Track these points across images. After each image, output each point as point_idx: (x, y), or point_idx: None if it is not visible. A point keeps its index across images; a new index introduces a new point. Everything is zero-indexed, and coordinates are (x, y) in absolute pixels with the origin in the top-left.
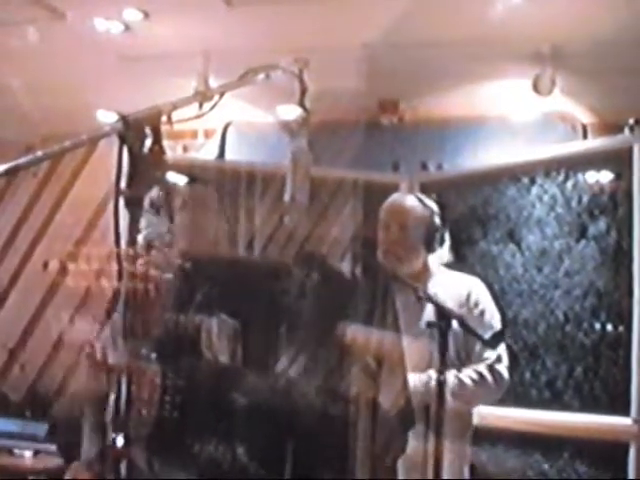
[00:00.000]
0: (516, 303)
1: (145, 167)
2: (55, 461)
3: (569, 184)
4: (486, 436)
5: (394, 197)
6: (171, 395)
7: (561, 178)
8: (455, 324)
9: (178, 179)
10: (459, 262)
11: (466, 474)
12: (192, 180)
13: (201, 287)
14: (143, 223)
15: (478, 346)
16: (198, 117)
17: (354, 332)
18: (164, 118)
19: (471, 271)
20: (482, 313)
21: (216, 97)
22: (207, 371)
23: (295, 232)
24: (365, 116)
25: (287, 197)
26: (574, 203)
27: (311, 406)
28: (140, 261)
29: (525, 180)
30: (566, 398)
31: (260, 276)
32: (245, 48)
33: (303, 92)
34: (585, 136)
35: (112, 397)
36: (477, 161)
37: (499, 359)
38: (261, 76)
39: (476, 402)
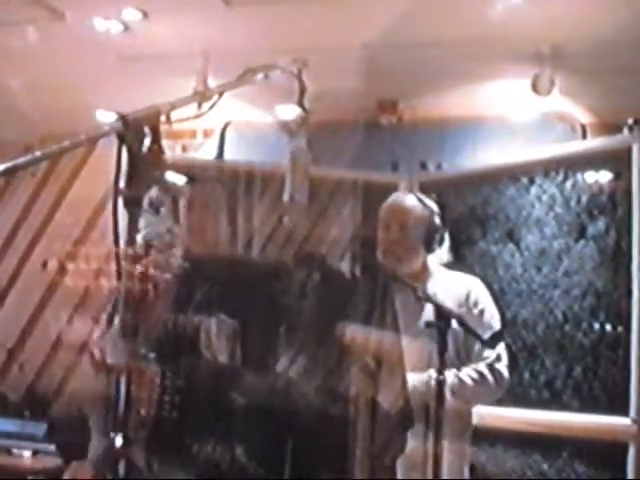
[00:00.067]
0: (515, 303)
1: (144, 167)
2: (54, 461)
3: (568, 184)
4: (485, 436)
5: (394, 197)
6: (170, 395)
7: (560, 178)
8: (454, 324)
9: (177, 179)
10: (458, 262)
11: (466, 474)
12: (196, 180)
13: (200, 287)
14: (142, 223)
15: (478, 345)
16: (197, 117)
17: (353, 332)
18: (163, 118)
19: (470, 271)
20: (481, 313)
21: (215, 97)
22: (206, 371)
23: (294, 232)
24: (364, 116)
25: (286, 197)
26: (573, 203)
27: (310, 406)
28: (139, 261)
29: (524, 180)
30: (565, 398)
31: (259, 276)
32: (244, 48)
33: (302, 92)
34: (584, 136)
35: (111, 397)
36: (476, 161)
37: (499, 358)
38: (260, 76)
39: (476, 401)
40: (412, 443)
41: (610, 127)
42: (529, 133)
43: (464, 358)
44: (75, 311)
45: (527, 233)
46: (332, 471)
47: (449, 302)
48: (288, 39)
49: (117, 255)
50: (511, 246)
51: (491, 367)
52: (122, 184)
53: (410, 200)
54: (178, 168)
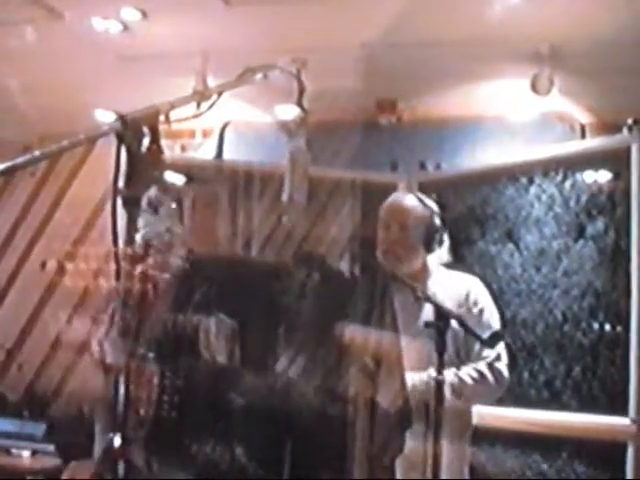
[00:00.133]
0: (514, 303)
1: (143, 166)
2: (53, 461)
3: (567, 184)
4: (485, 436)
5: (394, 196)
6: (169, 395)
7: (559, 178)
8: (454, 324)
9: (176, 179)
10: (457, 262)
11: (465, 474)
12: (199, 180)
13: (199, 287)
14: (141, 222)
15: (477, 345)
16: (196, 117)
17: (352, 332)
18: (162, 117)
19: (469, 271)
20: (481, 312)
21: (214, 97)
22: (205, 371)
23: (293, 232)
24: (363, 116)
25: (285, 197)
26: (572, 203)
27: (309, 406)
28: (138, 261)
29: (523, 180)
30: (564, 398)
31: (259, 276)
32: (243, 48)
33: (301, 92)
34: (583, 136)
35: (111, 397)
36: (475, 161)
37: (499, 357)
38: (259, 76)
39: (476, 400)
40: (411, 443)
41: (609, 127)
42: (528, 133)
43: (464, 357)
44: (74, 311)
45: (526, 233)
46: (331, 471)
47: (449, 302)
48: (287, 39)
49: (116, 255)
50: (510, 246)
51: (491, 366)
52: (121, 184)
53: (410, 200)
54: (177, 168)
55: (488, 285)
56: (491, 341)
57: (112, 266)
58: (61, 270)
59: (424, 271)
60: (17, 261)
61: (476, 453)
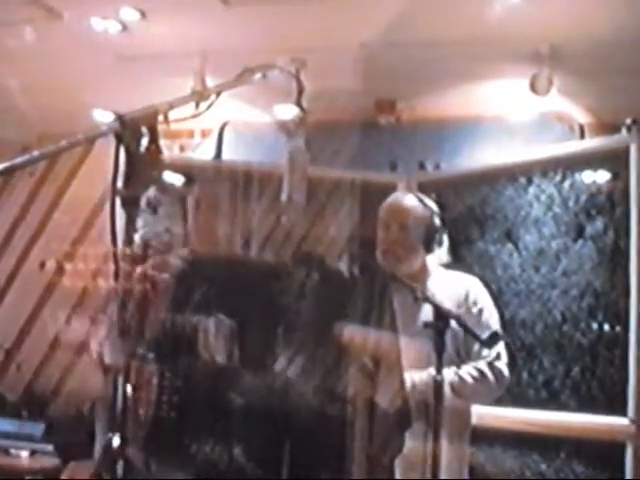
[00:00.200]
0: (513, 303)
1: (142, 166)
2: (52, 461)
3: (566, 184)
4: (484, 436)
5: (394, 196)
6: (168, 395)
7: (558, 178)
8: (453, 323)
9: (175, 179)
10: (457, 262)
11: (464, 474)
12: (201, 180)
13: (199, 287)
14: (140, 223)
15: (477, 345)
16: (195, 117)
17: (351, 332)
18: (161, 117)
19: (469, 271)
20: (480, 312)
21: (213, 97)
22: (204, 371)
23: (292, 232)
24: (362, 116)
25: (284, 197)
26: (571, 203)
27: (308, 406)
28: (137, 261)
29: (522, 180)
30: (563, 398)
31: (258, 276)
32: (242, 48)
33: (300, 92)
34: (582, 136)
35: (110, 397)
36: (474, 161)
37: (499, 357)
38: (258, 76)
39: (476, 399)
40: (410, 443)
41: (608, 127)
42: (527, 133)
43: (464, 357)
44: (73, 311)
45: (525, 233)
46: (330, 471)
47: (448, 302)
48: (286, 39)
49: (115, 255)
50: (509, 246)
51: (491, 365)
52: (120, 184)
53: (410, 200)
54: (176, 168)
55: (487, 285)
56: (490, 341)
57: (111, 266)
58: (60, 270)
59: (423, 271)
60: (16, 261)
61: (475, 453)
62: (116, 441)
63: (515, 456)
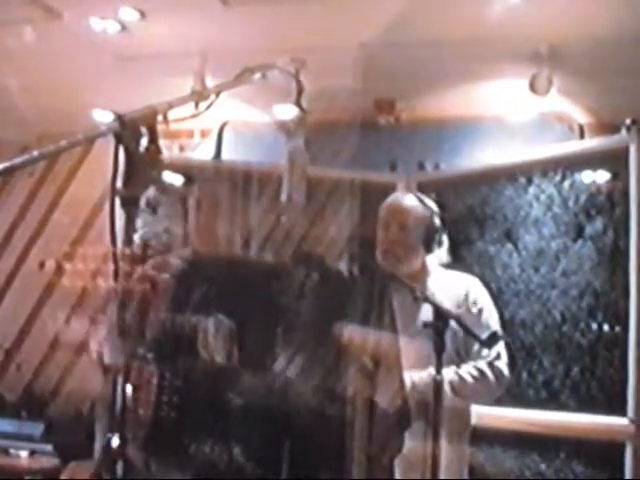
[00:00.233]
0: (513, 303)
1: (141, 167)
2: (51, 461)
3: (566, 184)
4: (484, 436)
5: (394, 196)
6: (168, 395)
7: (558, 178)
8: (453, 323)
9: (174, 179)
10: (456, 262)
11: (464, 474)
12: (203, 180)
13: (198, 287)
14: (139, 223)
15: (477, 344)
16: (194, 116)
17: (351, 332)
18: (160, 117)
19: (468, 271)
20: (480, 312)
21: (212, 97)
22: (204, 371)
23: (292, 232)
24: (362, 116)
25: (284, 197)
26: (571, 203)
27: (308, 406)
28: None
29: (522, 180)
30: (563, 398)
31: (257, 276)
32: (242, 48)
33: (300, 92)
34: (582, 136)
35: (109, 397)
36: (474, 161)
37: (499, 356)
38: (257, 76)
39: (476, 399)
40: (410, 443)
41: (608, 127)
42: (527, 133)
43: (464, 356)
44: (72, 311)
45: (525, 233)
46: (330, 471)
47: (448, 302)
48: (286, 39)
49: (114, 255)
50: (509, 246)
51: (491, 365)
52: (119, 184)
53: (410, 200)
54: (175, 168)
55: (487, 285)
56: (489, 341)
57: (110, 266)
58: (59, 270)
59: (423, 271)
60: (15, 261)
61: (475, 453)
62: (116, 441)
63: (515, 456)
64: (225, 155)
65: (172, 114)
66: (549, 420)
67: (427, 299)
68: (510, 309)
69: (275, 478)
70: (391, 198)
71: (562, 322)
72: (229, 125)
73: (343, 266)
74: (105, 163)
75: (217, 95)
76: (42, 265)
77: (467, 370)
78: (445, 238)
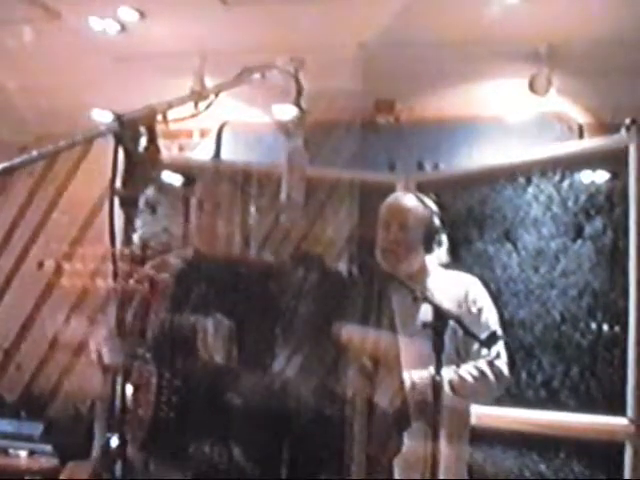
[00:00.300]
0: (512, 303)
1: (140, 167)
2: (51, 461)
3: (565, 184)
4: (483, 436)
5: (394, 196)
6: (167, 395)
7: (557, 178)
8: (452, 323)
9: (174, 178)
10: (456, 262)
11: (464, 474)
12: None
13: (197, 287)
14: (139, 223)
15: (477, 344)
16: (194, 116)
17: (350, 332)
18: (159, 117)
19: (468, 271)
20: (480, 312)
21: (212, 96)
22: (203, 371)
23: (291, 232)
24: (361, 116)
25: (283, 197)
26: (570, 203)
27: (307, 406)
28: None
29: (521, 180)
30: (562, 398)
31: (257, 276)
32: (241, 48)
33: (299, 92)
34: (581, 136)
35: (109, 397)
36: (473, 161)
37: (498, 356)
38: (257, 76)
39: (476, 398)
40: (409, 443)
41: (607, 127)
42: (526, 133)
43: (464, 356)
44: (72, 311)
45: (524, 233)
46: (329, 471)
47: (448, 302)
48: (285, 39)
49: (113, 255)
50: (508, 246)
51: (491, 364)
52: (118, 184)
53: (410, 200)
54: (175, 168)
55: (486, 285)
56: (489, 341)
57: (110, 266)
58: (58, 270)
59: (423, 271)
60: (15, 261)
61: (475, 453)
62: (115, 441)
63: (514, 456)
64: (224, 155)
65: (171, 114)
66: (549, 420)
67: (427, 299)
68: (509, 309)
69: (275, 478)
70: (391, 198)
71: (561, 322)
72: (228, 125)
73: (342, 266)
74: (104, 163)
75: (216, 95)
76: (41, 265)
77: (467, 370)
78: (445, 238)
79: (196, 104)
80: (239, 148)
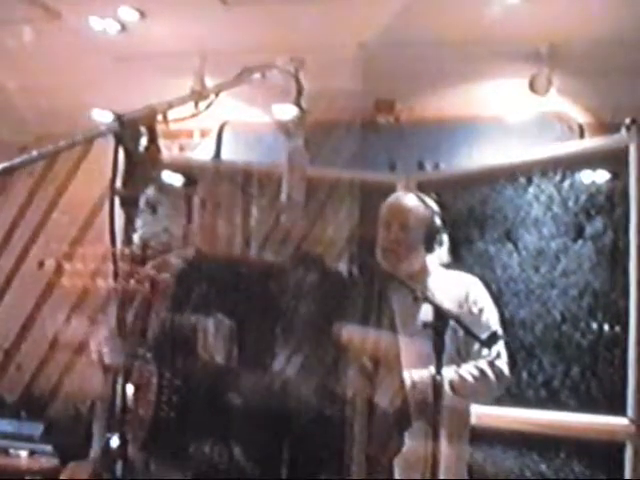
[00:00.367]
0: (513, 303)
1: (141, 166)
2: (51, 461)
3: (566, 184)
4: (483, 436)
5: (395, 196)
6: (168, 395)
7: (558, 178)
8: (453, 323)
9: (174, 178)
10: (456, 262)
11: (464, 474)
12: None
13: (198, 287)
14: (139, 223)
15: (477, 344)
16: (194, 116)
17: (350, 332)
18: (160, 117)
19: (468, 271)
20: (481, 312)
21: (212, 96)
22: (204, 371)
23: (292, 232)
24: (361, 116)
25: (284, 197)
26: (571, 203)
27: (307, 406)
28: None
29: (522, 180)
30: (563, 398)
31: (257, 276)
32: (241, 47)
33: (299, 92)
34: (582, 136)
35: (109, 397)
36: (473, 161)
37: (499, 355)
38: (257, 75)
39: (477, 398)
40: (410, 443)
41: (607, 127)
42: (527, 133)
43: (464, 356)
44: (72, 311)
45: (525, 233)
46: (329, 471)
47: (448, 302)
48: (285, 38)
49: (114, 255)
50: (509, 246)
51: (492, 364)
52: (119, 184)
53: (411, 200)
54: (175, 168)
55: (487, 285)
56: (489, 341)
57: (110, 266)
58: (59, 270)
59: (424, 271)
60: (15, 261)
61: (474, 453)
62: (115, 441)
63: (515, 456)
64: (225, 155)
65: (172, 114)
66: (549, 420)
67: (427, 299)
68: (510, 309)
69: (275, 478)
70: (392, 198)
71: (562, 322)
72: (229, 125)
73: (343, 266)
74: (104, 163)
75: (217, 95)
76: (41, 265)
77: (467, 369)
78: (445, 238)
79: (196, 104)
80: (239, 148)
